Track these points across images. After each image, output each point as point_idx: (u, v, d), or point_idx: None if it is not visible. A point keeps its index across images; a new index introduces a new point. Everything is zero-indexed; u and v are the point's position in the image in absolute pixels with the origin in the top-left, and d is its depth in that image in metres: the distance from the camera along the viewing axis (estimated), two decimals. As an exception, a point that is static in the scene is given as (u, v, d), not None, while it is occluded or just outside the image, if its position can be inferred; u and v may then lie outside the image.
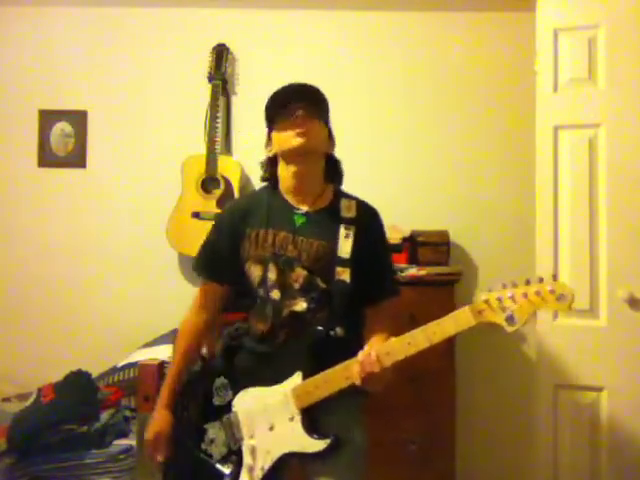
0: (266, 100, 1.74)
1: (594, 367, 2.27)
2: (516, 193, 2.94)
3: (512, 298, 1.43)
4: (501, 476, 2.92)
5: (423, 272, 2.65)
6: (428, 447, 2.53)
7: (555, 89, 2.36)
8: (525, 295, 1.42)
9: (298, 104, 1.68)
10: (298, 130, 1.66)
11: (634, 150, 2.25)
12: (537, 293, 1.41)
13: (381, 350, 1.53)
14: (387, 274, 1.80)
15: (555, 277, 1.44)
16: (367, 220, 1.75)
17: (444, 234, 2.82)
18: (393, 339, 1.54)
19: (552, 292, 1.40)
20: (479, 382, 2.94)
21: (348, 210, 1.73)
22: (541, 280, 1.42)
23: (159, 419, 1.77)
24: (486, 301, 1.45)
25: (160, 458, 1.75)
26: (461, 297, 2.64)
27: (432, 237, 2.80)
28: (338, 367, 1.57)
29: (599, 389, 2.26)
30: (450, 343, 2.56)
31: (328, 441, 1.57)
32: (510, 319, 1.43)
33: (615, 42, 2.27)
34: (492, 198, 3.00)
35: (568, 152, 2.33)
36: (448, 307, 2.47)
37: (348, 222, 1.71)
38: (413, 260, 2.77)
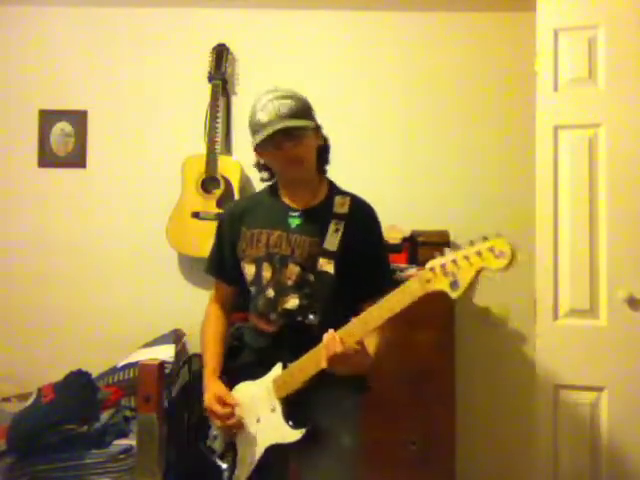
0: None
1: (594, 367, 2.27)
2: (516, 193, 2.94)
3: (454, 262, 1.37)
4: (501, 476, 2.92)
5: (423, 272, 2.64)
6: (428, 447, 2.53)
7: (555, 89, 2.36)
8: (467, 258, 1.36)
9: (281, 133, 1.62)
10: (290, 159, 1.65)
11: (634, 150, 2.25)
12: (477, 253, 1.34)
13: (343, 331, 1.53)
14: (382, 269, 1.80)
15: (498, 234, 1.34)
16: (360, 216, 1.75)
17: (444, 234, 2.81)
18: (353, 319, 1.53)
19: (491, 250, 1.33)
20: (479, 382, 2.94)
21: (341, 206, 1.74)
22: (485, 239, 1.35)
23: (212, 385, 1.74)
24: (431, 269, 1.40)
25: (233, 413, 1.68)
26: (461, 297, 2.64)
27: (432, 237, 2.79)
28: (310, 353, 1.58)
29: (599, 389, 2.26)
30: (450, 343, 2.56)
31: (304, 430, 1.58)
32: (454, 285, 1.37)
33: (615, 42, 2.27)
34: (492, 198, 2.99)
35: (568, 152, 2.34)
36: (447, 307, 2.50)
37: (339, 218, 1.71)
38: (413, 260, 2.76)
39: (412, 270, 2.65)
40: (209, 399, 1.72)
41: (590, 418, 2.27)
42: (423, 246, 2.77)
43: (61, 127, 3.08)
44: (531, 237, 2.41)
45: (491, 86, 3.02)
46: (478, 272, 1.35)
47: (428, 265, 1.41)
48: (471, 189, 3.01)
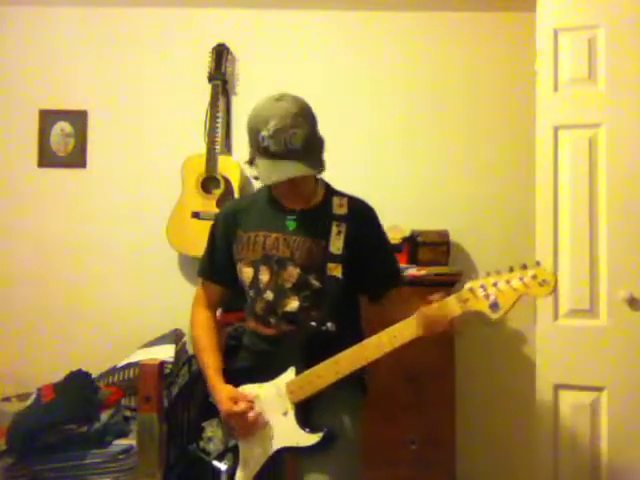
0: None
1: (594, 367, 2.26)
2: (516, 193, 2.94)
3: (495, 285, 1.46)
4: (501, 476, 2.92)
5: (423, 272, 2.65)
6: (428, 447, 2.54)
7: (555, 89, 2.35)
8: (508, 282, 1.45)
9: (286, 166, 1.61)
10: (290, 190, 1.67)
11: (634, 150, 2.25)
12: (520, 279, 1.44)
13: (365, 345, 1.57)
14: (389, 263, 1.81)
15: (538, 263, 1.46)
16: (360, 216, 1.75)
17: (444, 234, 2.82)
18: (380, 333, 1.57)
19: (534, 278, 1.43)
20: (479, 382, 2.94)
21: (340, 207, 1.73)
22: (524, 267, 1.45)
23: (223, 390, 1.68)
24: (470, 289, 1.49)
25: (252, 415, 1.64)
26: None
27: (432, 237, 2.80)
28: (329, 361, 1.59)
29: (599, 389, 2.26)
30: (450, 343, 2.56)
31: (321, 434, 1.58)
32: (494, 306, 1.45)
33: (615, 42, 2.27)
34: (492, 198, 3.00)
35: (568, 152, 2.33)
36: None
37: (340, 219, 1.71)
38: (413, 260, 2.77)
39: (412, 270, 2.66)
40: (225, 401, 1.65)
41: (590, 418, 2.27)
42: (423, 246, 2.77)
43: (61, 127, 3.08)
44: (531, 237, 2.41)
45: (491, 86, 3.02)
46: (520, 297, 1.45)
47: (467, 285, 1.50)
48: (471, 189, 3.01)
